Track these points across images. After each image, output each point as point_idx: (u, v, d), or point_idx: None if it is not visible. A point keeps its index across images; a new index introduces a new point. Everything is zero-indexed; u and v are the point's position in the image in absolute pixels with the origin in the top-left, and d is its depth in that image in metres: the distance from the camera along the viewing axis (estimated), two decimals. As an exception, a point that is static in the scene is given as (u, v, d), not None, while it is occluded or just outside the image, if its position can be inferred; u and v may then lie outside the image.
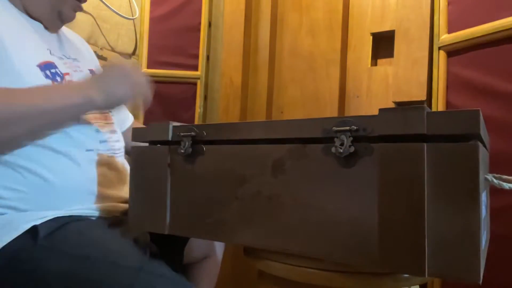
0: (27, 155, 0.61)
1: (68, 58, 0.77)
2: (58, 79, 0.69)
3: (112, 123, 0.79)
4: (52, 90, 0.62)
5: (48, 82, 0.66)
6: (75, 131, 0.67)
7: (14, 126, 0.56)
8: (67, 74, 0.72)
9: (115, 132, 0.79)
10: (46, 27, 0.76)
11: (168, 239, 0.80)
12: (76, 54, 0.82)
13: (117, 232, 0.63)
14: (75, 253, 0.55)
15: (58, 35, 0.80)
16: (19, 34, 0.68)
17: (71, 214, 0.62)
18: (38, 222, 0.57)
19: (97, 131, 0.72)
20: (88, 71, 0.79)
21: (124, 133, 0.89)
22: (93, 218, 0.65)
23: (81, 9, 0.78)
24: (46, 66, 0.68)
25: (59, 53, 0.75)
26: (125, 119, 0.94)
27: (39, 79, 0.65)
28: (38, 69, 0.66)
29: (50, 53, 0.72)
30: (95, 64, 0.90)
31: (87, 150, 0.68)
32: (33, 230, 0.56)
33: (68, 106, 0.60)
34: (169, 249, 0.78)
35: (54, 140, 0.64)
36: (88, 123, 0.71)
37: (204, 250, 0.86)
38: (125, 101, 0.68)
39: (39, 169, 0.61)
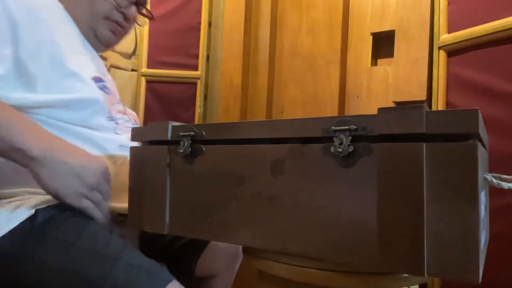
0: None
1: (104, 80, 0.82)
2: (106, 90, 0.74)
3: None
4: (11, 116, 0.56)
5: (101, 92, 0.71)
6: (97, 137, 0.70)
7: None
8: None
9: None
10: (94, 47, 0.80)
11: (182, 248, 0.81)
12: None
13: (106, 225, 0.64)
14: (62, 240, 0.56)
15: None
16: (77, 49, 0.73)
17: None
18: (41, 207, 0.59)
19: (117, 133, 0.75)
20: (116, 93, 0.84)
21: None
22: None
23: (119, 32, 0.80)
24: (96, 80, 0.73)
25: (101, 72, 0.79)
26: None
27: (95, 89, 0.71)
28: (93, 81, 0.71)
29: (97, 70, 0.77)
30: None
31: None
32: (35, 215, 0.58)
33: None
34: (181, 257, 0.79)
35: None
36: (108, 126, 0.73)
37: (218, 268, 0.87)
38: (57, 193, 0.58)
39: None
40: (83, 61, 0.73)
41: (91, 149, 0.67)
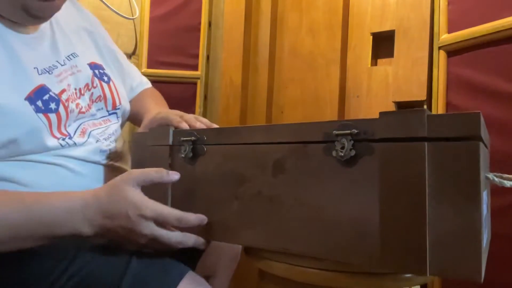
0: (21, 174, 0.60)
1: (62, 65, 0.69)
2: (53, 106, 0.62)
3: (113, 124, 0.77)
4: (35, 217, 0.52)
5: (40, 116, 0.60)
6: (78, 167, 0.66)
7: None
8: (63, 91, 0.66)
9: (114, 140, 0.75)
10: (24, 26, 0.65)
11: (183, 248, 0.81)
12: (73, 46, 0.73)
13: None
14: (69, 249, 0.55)
15: (49, 30, 0.70)
16: (3, 71, 0.59)
17: None
18: None
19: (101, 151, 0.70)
20: (88, 67, 0.73)
21: (134, 99, 0.88)
22: None
23: None
24: (36, 95, 0.60)
25: (50, 63, 0.67)
26: (135, 86, 0.92)
27: (30, 117, 0.59)
28: (27, 103, 0.59)
29: (38, 72, 0.63)
30: (101, 38, 0.84)
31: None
32: None
33: (48, 237, 0.53)
34: (182, 257, 0.79)
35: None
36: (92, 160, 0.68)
37: (219, 267, 0.86)
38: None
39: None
40: (12, 82, 0.59)
41: (52, 176, 0.62)
